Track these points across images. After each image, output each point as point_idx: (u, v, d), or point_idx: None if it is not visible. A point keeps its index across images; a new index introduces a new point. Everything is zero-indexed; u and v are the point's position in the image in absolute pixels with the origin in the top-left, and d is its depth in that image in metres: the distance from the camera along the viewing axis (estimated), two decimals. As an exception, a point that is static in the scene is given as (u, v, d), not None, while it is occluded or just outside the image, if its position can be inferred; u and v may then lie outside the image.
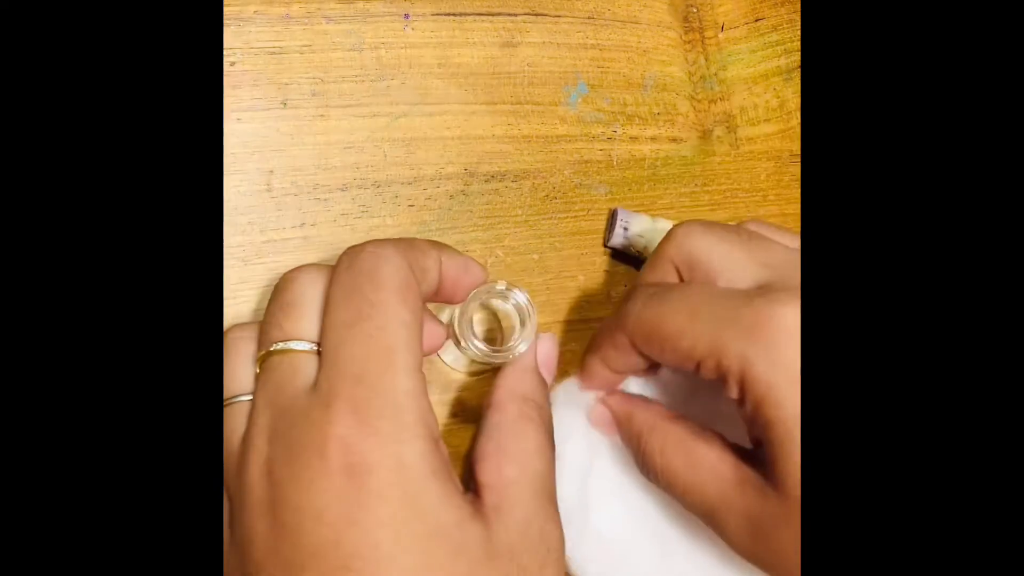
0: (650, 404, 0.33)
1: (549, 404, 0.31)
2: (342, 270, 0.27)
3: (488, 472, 0.28)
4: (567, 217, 0.40)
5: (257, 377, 0.27)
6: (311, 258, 0.36)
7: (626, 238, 0.39)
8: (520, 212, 0.39)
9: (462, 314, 0.32)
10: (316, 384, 0.26)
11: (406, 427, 0.25)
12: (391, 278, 0.26)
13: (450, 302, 0.32)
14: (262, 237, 0.36)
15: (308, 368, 0.26)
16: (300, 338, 0.27)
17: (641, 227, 0.39)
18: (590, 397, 0.34)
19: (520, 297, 0.33)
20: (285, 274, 0.29)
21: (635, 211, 0.40)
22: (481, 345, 0.32)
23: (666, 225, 0.40)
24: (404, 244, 0.28)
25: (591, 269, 0.40)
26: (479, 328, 0.37)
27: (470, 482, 0.28)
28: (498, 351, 0.33)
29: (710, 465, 0.29)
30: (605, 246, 0.40)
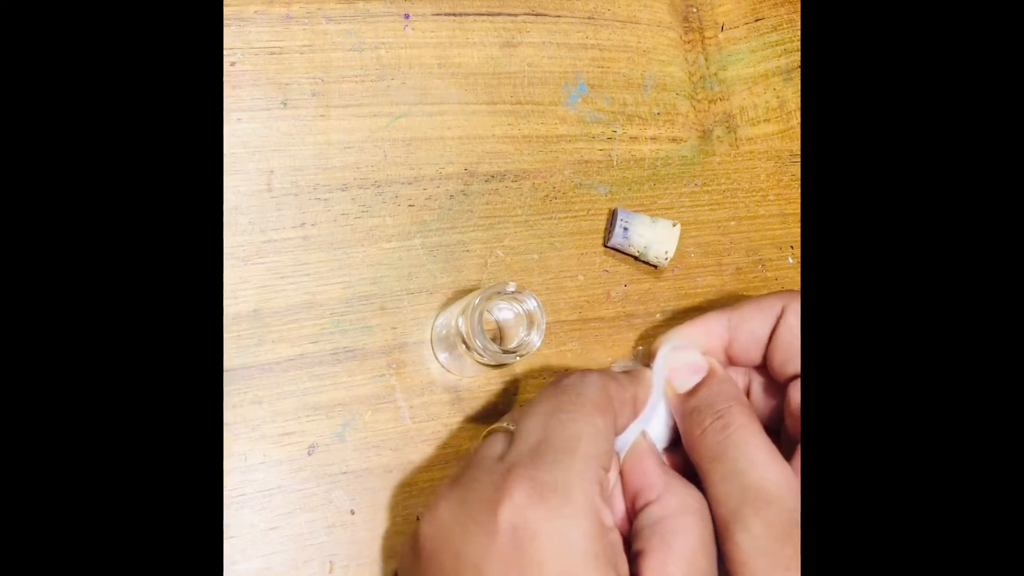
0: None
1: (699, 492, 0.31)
2: (551, 385, 0.30)
3: (653, 569, 0.28)
4: (567, 217, 0.40)
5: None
6: (311, 258, 0.36)
7: (626, 238, 0.39)
8: (520, 212, 0.39)
9: (471, 315, 0.32)
10: (504, 456, 0.28)
11: (575, 505, 0.26)
12: (591, 395, 0.29)
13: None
14: (262, 237, 0.36)
15: (504, 444, 0.29)
16: (511, 423, 0.30)
17: (641, 227, 0.39)
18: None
19: (531, 302, 0.33)
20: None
21: (635, 211, 0.40)
22: (492, 346, 0.32)
23: (666, 225, 0.40)
24: (608, 376, 0.31)
25: (591, 269, 0.40)
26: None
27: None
28: (508, 352, 0.33)
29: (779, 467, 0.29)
30: (605, 246, 0.40)
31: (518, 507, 0.26)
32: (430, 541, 0.28)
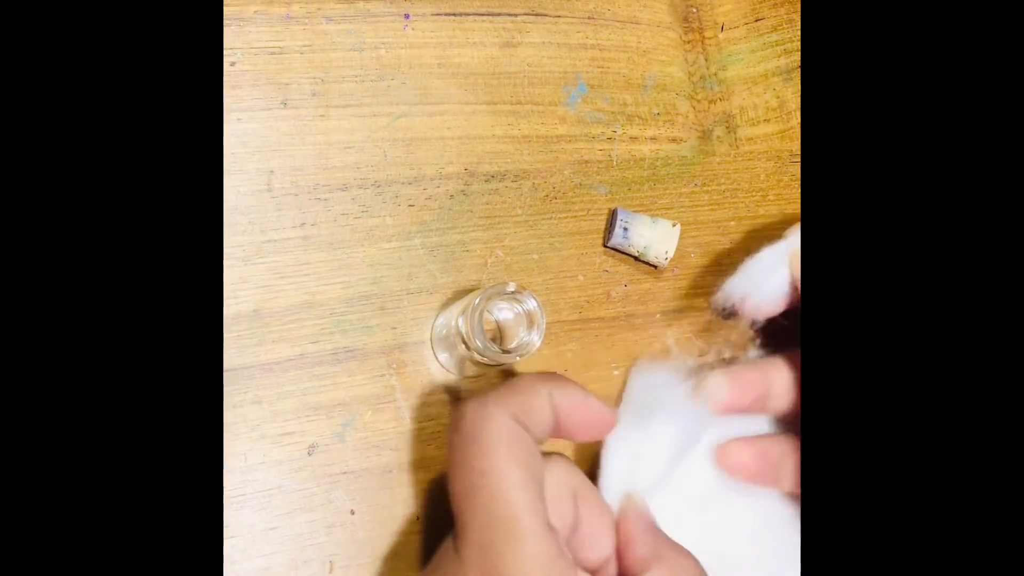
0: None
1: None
2: (451, 431, 0.28)
3: None
4: (567, 217, 0.40)
5: None
6: (311, 258, 0.36)
7: (626, 238, 0.39)
8: (520, 212, 0.39)
9: (471, 315, 0.32)
10: (455, 545, 0.27)
11: None
12: (495, 438, 0.27)
13: (572, 439, 0.31)
14: (262, 237, 0.36)
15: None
16: None
17: (641, 227, 0.39)
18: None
19: (530, 302, 0.33)
20: None
21: (635, 211, 0.40)
22: (492, 346, 0.32)
23: (666, 225, 0.40)
24: (506, 392, 0.28)
25: (591, 269, 0.40)
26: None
27: None
28: (508, 352, 0.33)
29: None
30: (605, 246, 0.40)
31: None
32: None
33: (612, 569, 0.29)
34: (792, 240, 0.34)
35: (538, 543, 0.25)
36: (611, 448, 0.33)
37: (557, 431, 0.29)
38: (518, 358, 0.33)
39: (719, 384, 0.34)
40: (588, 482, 0.30)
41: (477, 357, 0.33)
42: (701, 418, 0.35)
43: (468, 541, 0.26)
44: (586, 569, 0.29)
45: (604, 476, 0.33)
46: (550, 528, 0.26)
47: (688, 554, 0.29)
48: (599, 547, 0.29)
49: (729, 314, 0.35)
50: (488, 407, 0.27)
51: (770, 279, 0.34)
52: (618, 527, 0.30)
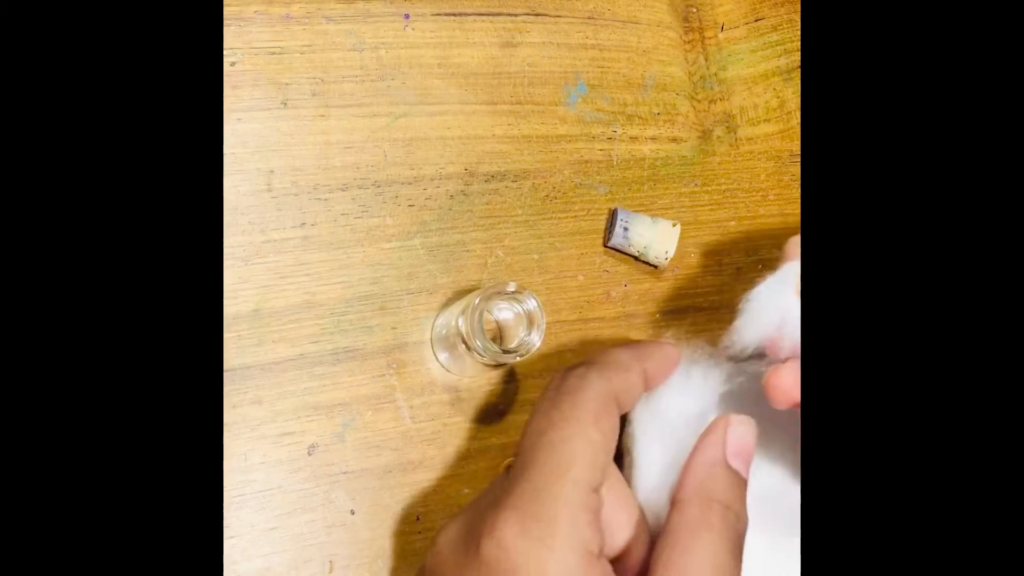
0: None
1: (743, 504, 0.29)
2: (551, 389, 0.29)
3: None
4: (567, 217, 0.40)
5: None
6: (311, 258, 0.36)
7: (626, 238, 0.39)
8: (520, 212, 0.39)
9: (471, 315, 0.32)
10: (506, 476, 0.28)
11: (557, 536, 0.26)
12: (590, 400, 0.28)
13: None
14: (262, 237, 0.36)
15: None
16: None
17: (641, 227, 0.39)
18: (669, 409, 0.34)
19: (530, 302, 0.33)
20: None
21: (635, 211, 0.40)
22: (492, 346, 0.32)
23: (666, 225, 0.40)
24: (610, 368, 0.29)
25: (591, 269, 0.40)
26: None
27: None
28: (508, 352, 0.33)
29: None
30: (605, 246, 0.40)
31: (501, 540, 0.26)
32: (431, 569, 0.28)
33: (633, 562, 0.29)
34: (790, 269, 0.31)
35: (578, 492, 0.26)
36: (640, 446, 0.33)
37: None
38: (518, 358, 0.33)
39: (790, 375, 0.30)
40: (615, 467, 0.30)
41: (477, 357, 0.33)
42: (711, 400, 0.34)
43: (519, 476, 0.27)
44: (613, 555, 0.30)
45: (637, 476, 0.32)
46: (593, 493, 0.27)
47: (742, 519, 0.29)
48: (617, 535, 0.29)
49: (754, 356, 0.34)
50: (590, 377, 0.29)
51: (780, 312, 0.32)
52: (695, 451, 0.30)
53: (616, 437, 0.29)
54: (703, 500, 0.28)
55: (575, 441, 0.27)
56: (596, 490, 0.27)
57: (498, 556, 0.26)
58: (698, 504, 0.28)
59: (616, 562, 0.29)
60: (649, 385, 0.31)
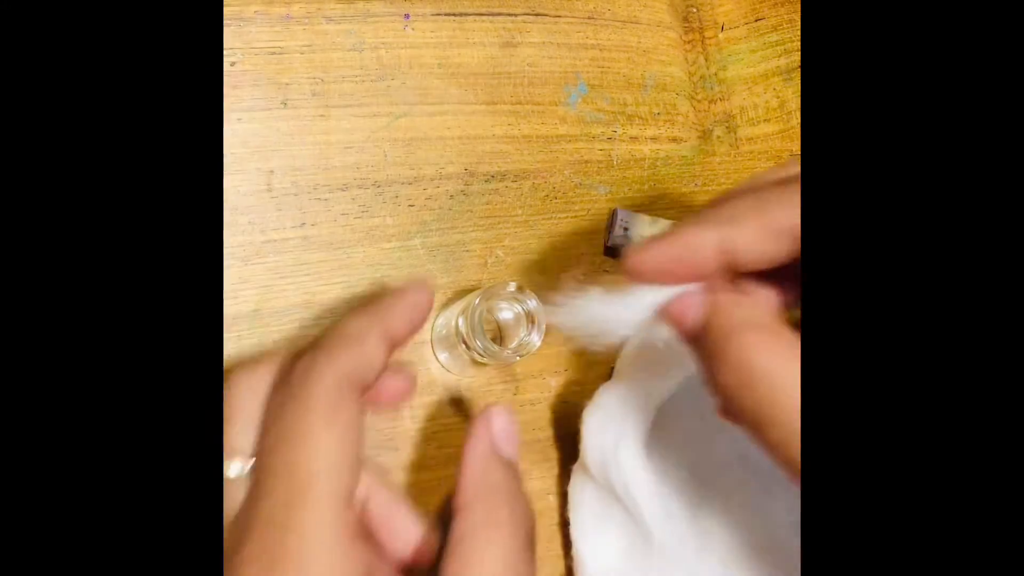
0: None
1: (521, 491, 0.27)
2: (273, 389, 0.26)
3: None
4: (567, 217, 0.40)
5: None
6: (311, 258, 0.36)
7: (626, 238, 0.39)
8: (520, 212, 0.39)
9: (471, 315, 0.32)
10: (246, 503, 0.25)
11: (314, 566, 0.23)
12: (319, 396, 0.25)
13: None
14: (262, 237, 0.36)
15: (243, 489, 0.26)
16: (234, 458, 0.26)
17: (641, 227, 0.39)
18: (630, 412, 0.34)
19: (530, 302, 0.33)
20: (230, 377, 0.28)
21: (635, 211, 0.40)
22: (492, 346, 0.32)
23: (666, 225, 0.40)
24: (338, 346, 0.26)
25: (591, 269, 0.40)
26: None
27: None
28: (508, 352, 0.32)
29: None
30: (605, 246, 0.40)
31: None
32: None
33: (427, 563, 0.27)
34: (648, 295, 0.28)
35: (330, 510, 0.24)
36: (591, 410, 0.34)
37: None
38: (518, 358, 0.33)
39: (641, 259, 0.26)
40: (372, 463, 0.28)
41: (477, 357, 0.33)
42: (675, 373, 0.34)
43: (258, 509, 0.24)
44: (400, 566, 0.28)
45: (585, 436, 0.33)
46: (347, 501, 0.24)
47: (517, 496, 0.27)
48: (399, 540, 0.27)
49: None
50: (316, 366, 0.25)
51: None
52: (465, 448, 0.28)
53: (362, 424, 0.26)
54: (486, 496, 0.26)
55: (309, 451, 0.24)
56: (350, 501, 0.24)
57: None
58: (483, 501, 0.26)
59: (409, 572, 0.27)
60: (396, 344, 0.28)
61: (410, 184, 0.38)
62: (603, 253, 0.41)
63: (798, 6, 0.47)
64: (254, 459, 0.26)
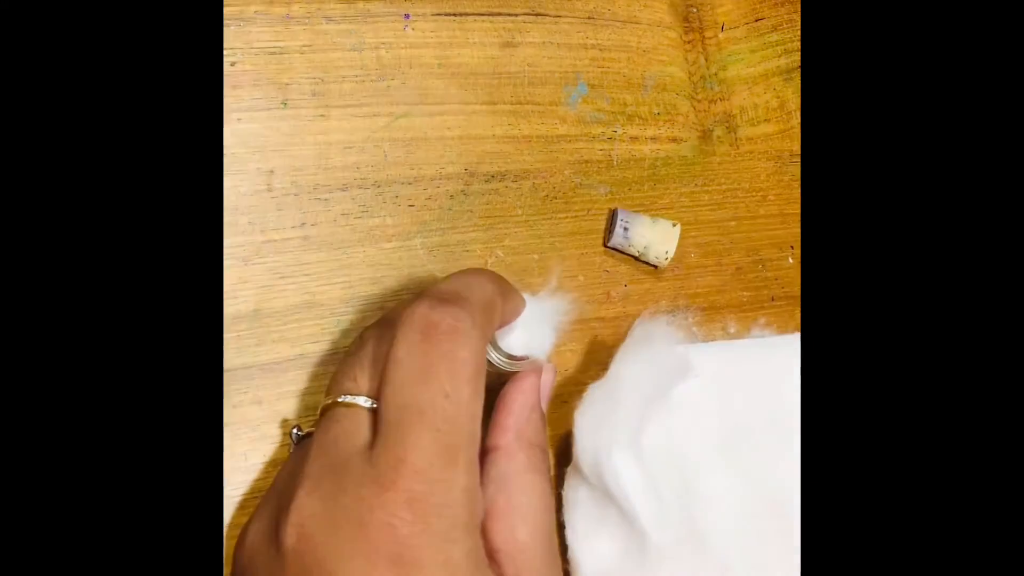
0: None
1: (547, 446, 0.31)
2: (418, 337, 0.26)
3: (502, 536, 0.27)
4: (567, 217, 0.40)
5: (318, 424, 0.28)
6: (311, 258, 0.36)
7: (626, 238, 0.39)
8: (520, 212, 0.39)
9: None
10: (373, 456, 0.25)
11: (458, 526, 0.25)
12: (467, 365, 0.26)
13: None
14: (262, 237, 0.36)
15: (367, 429, 0.26)
16: (369, 395, 0.27)
17: (641, 227, 0.39)
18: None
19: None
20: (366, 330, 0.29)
21: (635, 211, 0.40)
22: (499, 354, 0.31)
23: (666, 225, 0.40)
24: (480, 309, 0.27)
25: (591, 269, 0.40)
26: None
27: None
28: (514, 359, 0.32)
29: None
30: (605, 246, 0.40)
31: (399, 536, 0.24)
32: (296, 554, 0.24)
33: None
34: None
35: (470, 475, 0.25)
36: (582, 410, 0.34)
37: None
38: (525, 367, 0.32)
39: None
40: None
41: (489, 367, 0.32)
42: (668, 372, 0.35)
43: (401, 459, 0.24)
44: None
45: (577, 438, 0.34)
46: (477, 461, 0.26)
47: (544, 444, 0.29)
48: None
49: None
50: (465, 324, 0.26)
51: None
52: (508, 387, 0.30)
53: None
54: (527, 445, 0.29)
55: (459, 422, 0.25)
56: (477, 459, 0.26)
57: (398, 552, 0.24)
58: (524, 450, 0.29)
59: None
60: (500, 326, 0.30)
61: (410, 184, 0.38)
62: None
63: (798, 6, 0.47)
64: (383, 401, 0.25)
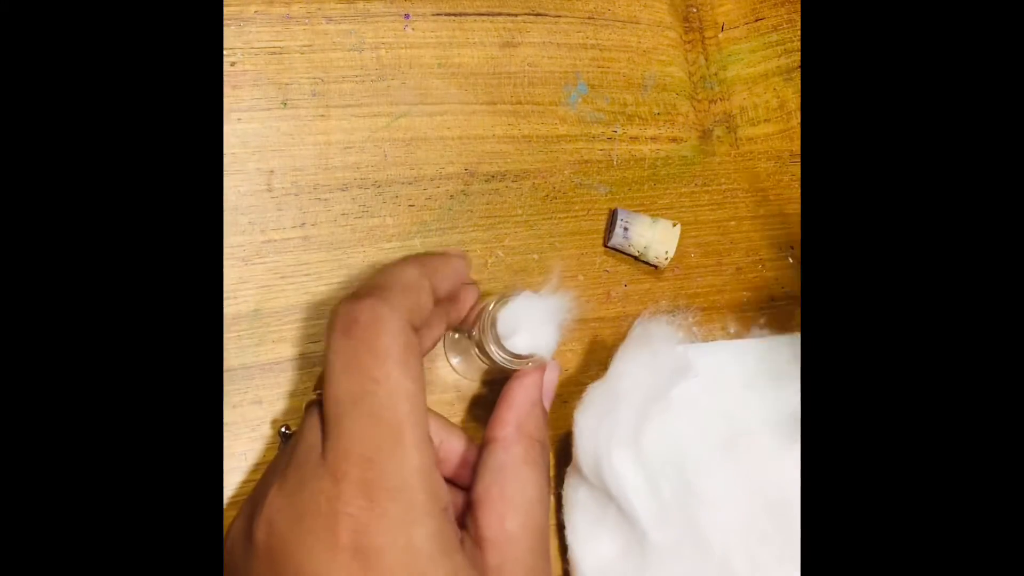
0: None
1: (548, 441, 0.31)
2: (339, 335, 0.26)
3: (490, 524, 0.27)
4: (567, 217, 0.40)
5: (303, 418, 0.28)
6: (311, 258, 0.36)
7: (626, 238, 0.39)
8: (520, 212, 0.39)
9: (485, 319, 0.31)
10: (325, 451, 0.25)
11: (416, 507, 0.25)
12: (392, 346, 0.26)
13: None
14: (262, 237, 0.36)
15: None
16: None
17: (641, 227, 0.39)
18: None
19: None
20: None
21: (635, 211, 0.40)
22: (504, 353, 0.31)
23: (666, 225, 0.40)
24: (398, 293, 0.27)
25: (591, 269, 0.40)
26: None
27: (468, 521, 0.28)
28: (519, 358, 0.32)
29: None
30: (605, 246, 0.40)
31: (358, 524, 0.24)
32: (267, 548, 0.25)
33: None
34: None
35: (420, 454, 0.25)
36: (582, 410, 0.34)
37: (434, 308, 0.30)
38: (530, 364, 0.32)
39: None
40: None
41: (492, 364, 0.32)
42: (668, 372, 0.35)
43: (347, 451, 0.25)
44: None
45: (577, 438, 0.34)
46: (430, 441, 0.26)
47: (545, 439, 0.30)
48: (450, 453, 0.30)
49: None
50: (382, 312, 0.26)
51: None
52: (509, 383, 0.31)
53: (422, 364, 0.27)
54: (526, 438, 0.29)
55: (396, 403, 0.25)
56: (428, 437, 0.26)
57: (358, 542, 0.24)
58: (522, 442, 0.29)
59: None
60: (435, 300, 0.29)
61: (410, 184, 0.38)
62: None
63: (798, 6, 0.47)
64: (324, 400, 0.26)
